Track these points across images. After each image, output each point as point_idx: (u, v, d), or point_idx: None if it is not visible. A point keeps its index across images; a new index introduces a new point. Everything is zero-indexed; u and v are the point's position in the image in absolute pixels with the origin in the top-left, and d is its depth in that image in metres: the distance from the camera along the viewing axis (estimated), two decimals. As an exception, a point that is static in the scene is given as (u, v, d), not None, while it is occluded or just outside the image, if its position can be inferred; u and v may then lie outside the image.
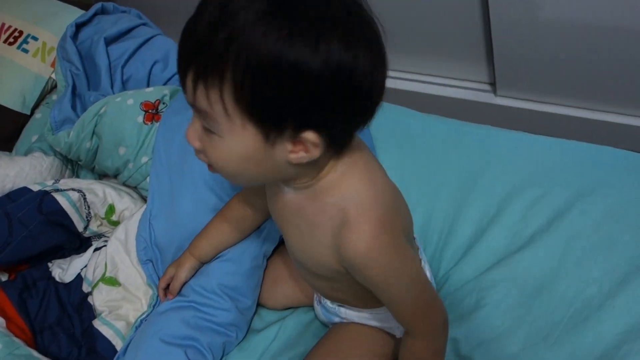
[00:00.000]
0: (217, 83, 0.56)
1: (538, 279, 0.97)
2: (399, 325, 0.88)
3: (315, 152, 0.61)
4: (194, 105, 0.60)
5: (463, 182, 1.09)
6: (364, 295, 0.80)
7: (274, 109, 0.57)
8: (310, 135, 0.59)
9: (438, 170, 1.14)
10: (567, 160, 1.10)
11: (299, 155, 0.62)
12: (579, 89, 1.52)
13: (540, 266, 0.98)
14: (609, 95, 1.50)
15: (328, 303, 0.95)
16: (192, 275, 1.01)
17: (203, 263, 1.01)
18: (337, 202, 0.69)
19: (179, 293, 0.99)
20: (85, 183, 1.14)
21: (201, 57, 0.56)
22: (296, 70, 0.54)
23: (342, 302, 0.93)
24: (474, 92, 1.72)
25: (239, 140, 0.60)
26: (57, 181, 1.14)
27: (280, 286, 1.06)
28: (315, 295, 1.01)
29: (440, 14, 1.55)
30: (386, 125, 1.12)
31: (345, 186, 0.69)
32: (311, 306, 1.06)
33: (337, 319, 0.96)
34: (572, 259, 0.97)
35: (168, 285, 1.01)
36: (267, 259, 1.06)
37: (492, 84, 1.70)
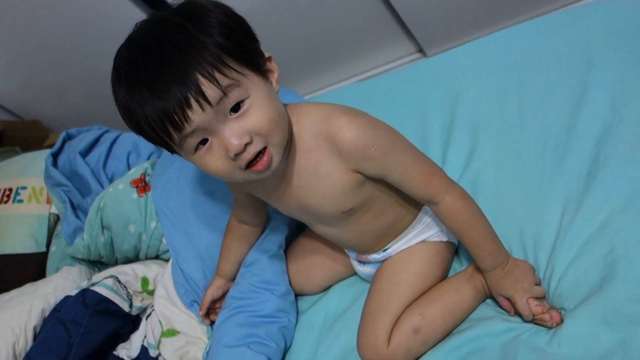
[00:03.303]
0: (220, 62, 0.71)
1: (512, 147, 1.07)
2: (442, 227, 0.97)
3: (276, 69, 0.81)
4: (225, 93, 0.71)
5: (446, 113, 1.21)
6: (394, 207, 0.93)
7: (249, 50, 0.76)
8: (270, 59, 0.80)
9: (416, 117, 1.25)
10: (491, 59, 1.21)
11: (275, 76, 0.80)
12: (492, 9, 1.58)
13: (507, 137, 1.08)
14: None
15: (375, 256, 1.01)
16: (221, 293, 1.14)
17: (231, 279, 1.14)
18: (310, 134, 0.83)
19: (225, 307, 1.09)
20: (114, 269, 1.25)
21: (198, 59, 0.69)
22: (242, 20, 0.78)
23: (385, 237, 0.98)
24: (409, 65, 1.87)
25: (260, 86, 0.75)
26: (90, 279, 1.24)
27: (316, 270, 1.14)
28: (356, 263, 1.07)
29: (343, 18, 1.69)
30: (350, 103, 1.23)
31: (304, 120, 0.84)
32: (347, 277, 1.15)
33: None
34: (529, 115, 1.07)
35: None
36: (288, 249, 1.17)
37: (420, 50, 1.85)
